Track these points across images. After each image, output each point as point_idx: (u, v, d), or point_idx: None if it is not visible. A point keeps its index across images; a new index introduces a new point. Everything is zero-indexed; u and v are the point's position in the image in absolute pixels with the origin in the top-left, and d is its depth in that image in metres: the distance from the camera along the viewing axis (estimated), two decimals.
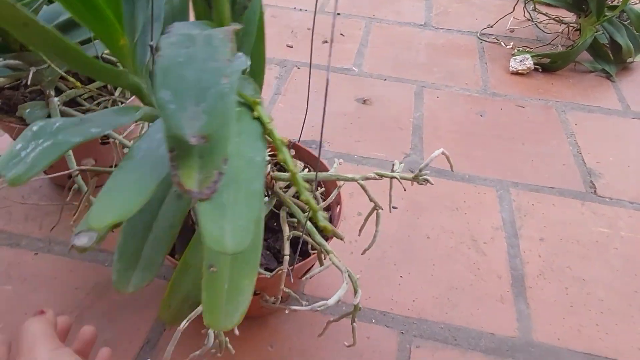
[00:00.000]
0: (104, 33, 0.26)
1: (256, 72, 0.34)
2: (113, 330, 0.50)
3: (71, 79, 0.49)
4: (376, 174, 0.43)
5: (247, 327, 0.51)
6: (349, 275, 0.39)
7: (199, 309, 0.35)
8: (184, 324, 0.34)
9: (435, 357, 0.49)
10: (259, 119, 0.27)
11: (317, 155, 0.53)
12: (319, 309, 0.37)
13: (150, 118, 0.36)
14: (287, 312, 0.40)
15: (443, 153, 0.42)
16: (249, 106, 0.28)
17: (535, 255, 0.59)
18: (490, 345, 0.50)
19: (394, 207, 0.65)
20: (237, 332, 0.38)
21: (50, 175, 0.62)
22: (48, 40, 0.22)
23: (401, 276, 0.57)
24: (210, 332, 0.36)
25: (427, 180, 0.42)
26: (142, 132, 0.63)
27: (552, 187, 0.69)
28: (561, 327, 0.52)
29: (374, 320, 0.52)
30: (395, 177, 0.42)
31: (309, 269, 0.46)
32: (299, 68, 0.92)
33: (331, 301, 0.36)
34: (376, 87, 0.89)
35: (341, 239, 0.45)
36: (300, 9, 1.13)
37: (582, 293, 0.56)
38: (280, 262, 0.43)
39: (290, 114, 0.81)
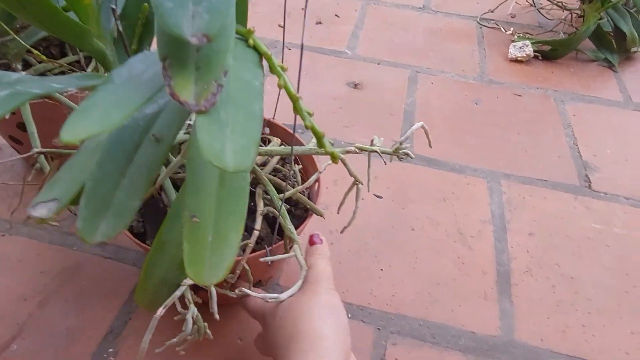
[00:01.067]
0: None
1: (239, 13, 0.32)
2: (78, 317, 0.48)
3: (36, 52, 0.46)
4: (356, 147, 0.40)
5: (215, 321, 0.49)
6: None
7: (177, 292, 0.32)
8: (160, 310, 0.32)
9: (412, 356, 0.47)
10: (254, 48, 0.26)
11: (293, 132, 0.50)
12: (269, 300, 0.35)
13: None
14: (235, 292, 0.38)
15: (422, 127, 0.40)
16: (243, 37, 0.26)
17: (524, 251, 0.57)
18: (470, 344, 0.48)
19: (378, 197, 0.63)
20: (217, 316, 0.36)
21: (20, 157, 0.60)
22: None
23: (382, 269, 0.54)
24: (189, 317, 0.34)
25: (407, 154, 0.40)
26: None
27: (545, 180, 0.66)
28: (545, 327, 0.50)
29: (350, 315, 0.50)
30: (375, 151, 0.40)
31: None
32: (289, 49, 0.89)
33: (283, 296, 0.35)
34: (369, 71, 0.85)
35: (321, 215, 0.42)
36: None
37: (570, 291, 0.53)
38: (258, 243, 0.41)
39: (280, 95, 0.78)
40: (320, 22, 0.98)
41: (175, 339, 0.36)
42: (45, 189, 0.31)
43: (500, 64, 0.89)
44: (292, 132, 0.50)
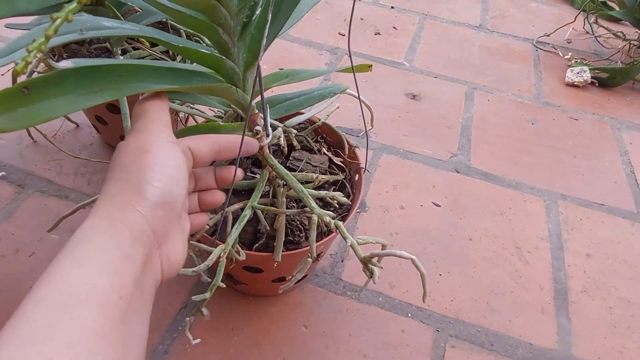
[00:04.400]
0: None
1: None
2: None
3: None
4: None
5: (281, 306, 0.51)
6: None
7: None
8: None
9: None
10: None
11: (340, 135, 0.51)
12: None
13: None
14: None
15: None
16: None
17: (580, 271, 0.58)
18: (528, 355, 0.49)
19: (437, 205, 0.64)
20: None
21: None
22: None
23: (440, 274, 0.56)
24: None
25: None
26: None
27: (602, 204, 0.67)
28: (602, 346, 0.51)
29: (410, 315, 0.52)
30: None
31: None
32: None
33: None
34: (426, 83, 0.87)
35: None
36: None
37: (627, 315, 0.54)
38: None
39: (338, 101, 0.80)
40: (378, 33, 1.01)
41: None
42: None
43: (556, 87, 0.90)
44: (339, 134, 0.51)
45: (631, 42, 0.99)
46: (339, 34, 0.99)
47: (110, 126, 0.62)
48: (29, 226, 0.56)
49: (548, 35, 1.05)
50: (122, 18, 0.50)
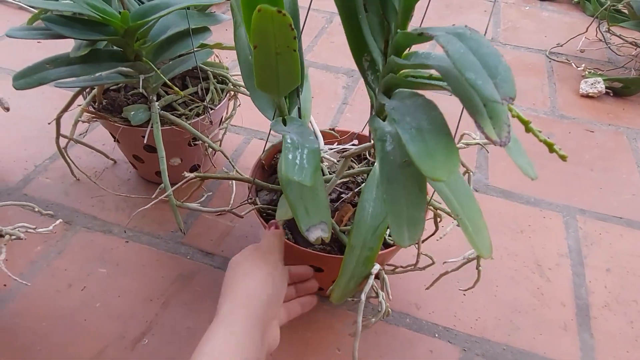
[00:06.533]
0: None
1: None
2: (195, 319, 0.55)
3: (174, 87, 0.54)
4: (463, 142, 0.46)
5: (314, 330, 0.54)
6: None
7: (370, 280, 0.41)
8: (363, 296, 0.40)
9: None
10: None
11: None
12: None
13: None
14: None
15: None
16: None
17: (601, 286, 0.60)
18: None
19: (457, 225, 0.67)
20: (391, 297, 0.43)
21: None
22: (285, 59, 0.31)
23: (464, 294, 0.58)
24: (382, 300, 0.42)
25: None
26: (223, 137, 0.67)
27: (621, 218, 0.69)
28: None
29: (437, 335, 0.54)
30: (479, 143, 0.46)
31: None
32: None
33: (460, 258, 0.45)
34: (440, 104, 0.90)
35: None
36: None
37: None
38: None
39: (356, 123, 0.83)
40: None
41: (373, 319, 0.43)
42: (302, 217, 0.39)
43: (570, 99, 0.92)
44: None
45: None
46: None
47: (147, 164, 0.67)
48: (79, 261, 0.60)
49: (561, 46, 1.06)
50: (157, 70, 0.54)
